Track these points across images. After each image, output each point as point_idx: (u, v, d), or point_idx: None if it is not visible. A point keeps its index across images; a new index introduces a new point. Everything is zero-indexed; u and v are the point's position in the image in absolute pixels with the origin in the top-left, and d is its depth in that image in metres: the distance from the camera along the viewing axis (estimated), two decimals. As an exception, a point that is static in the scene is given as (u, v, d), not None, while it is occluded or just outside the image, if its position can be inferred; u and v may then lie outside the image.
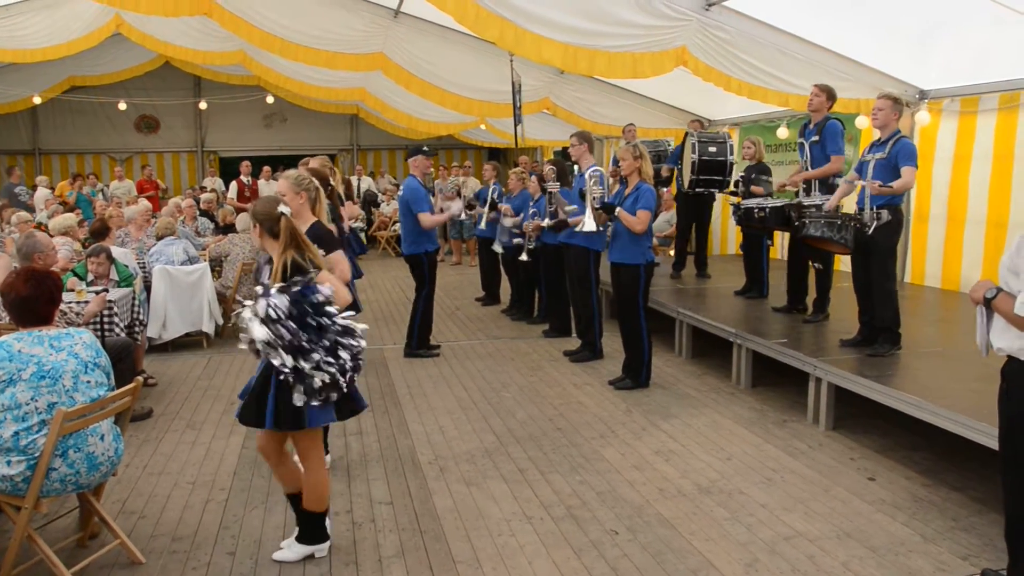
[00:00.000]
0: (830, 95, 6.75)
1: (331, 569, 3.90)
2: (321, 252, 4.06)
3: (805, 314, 7.20)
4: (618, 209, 6.67)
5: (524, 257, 8.20)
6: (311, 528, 4.02)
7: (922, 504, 4.52)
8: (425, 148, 8.00)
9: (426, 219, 7.70)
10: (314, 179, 4.83)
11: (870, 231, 5.64)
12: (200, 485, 4.95)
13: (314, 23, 10.56)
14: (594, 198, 6.82)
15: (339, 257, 4.46)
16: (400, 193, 8.07)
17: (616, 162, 6.96)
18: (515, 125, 11.23)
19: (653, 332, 6.97)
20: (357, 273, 6.93)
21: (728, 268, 10.32)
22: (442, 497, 4.70)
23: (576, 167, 7.94)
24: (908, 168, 5.52)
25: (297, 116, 20.94)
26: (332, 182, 6.07)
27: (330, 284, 3.77)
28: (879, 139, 5.80)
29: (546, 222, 7.78)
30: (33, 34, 12.03)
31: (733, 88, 8.16)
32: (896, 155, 5.58)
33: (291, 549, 4.02)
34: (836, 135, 6.65)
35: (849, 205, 6.25)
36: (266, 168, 16.74)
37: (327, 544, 4.06)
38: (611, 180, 7.41)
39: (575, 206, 7.29)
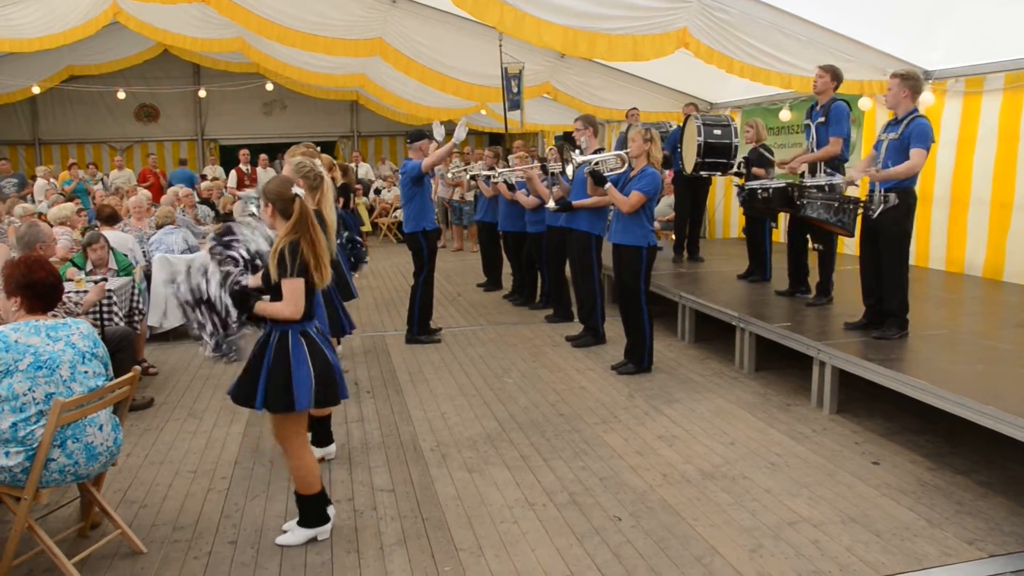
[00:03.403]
0: (835, 76, 6.66)
1: (333, 557, 3.89)
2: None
3: (808, 297, 7.16)
4: (608, 184, 6.64)
5: (552, 206, 7.88)
6: (309, 511, 4.02)
7: (927, 488, 4.49)
8: (426, 132, 7.90)
9: (428, 160, 7.58)
10: (317, 167, 4.78)
11: (875, 215, 5.56)
12: (201, 474, 4.93)
13: (312, 8, 10.50)
14: (593, 162, 6.79)
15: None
16: (400, 176, 8.01)
17: (623, 143, 6.92)
18: (505, 111, 11.19)
19: (655, 316, 6.93)
20: (347, 262, 6.90)
21: (731, 252, 10.27)
22: (444, 484, 4.68)
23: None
24: (916, 150, 5.38)
25: (297, 103, 20.89)
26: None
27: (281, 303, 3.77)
28: (895, 118, 5.65)
29: (550, 204, 7.73)
30: (30, 23, 11.98)
31: (735, 70, 8.08)
32: (908, 136, 5.43)
33: (294, 533, 4.03)
34: (841, 117, 6.55)
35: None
36: (262, 156, 16.68)
37: (329, 526, 4.07)
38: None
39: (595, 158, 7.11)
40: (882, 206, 5.51)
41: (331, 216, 4.82)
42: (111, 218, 7.63)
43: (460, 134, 7.59)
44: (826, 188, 6.31)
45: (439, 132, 7.76)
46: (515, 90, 11.10)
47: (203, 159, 21.15)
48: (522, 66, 11.34)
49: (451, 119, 16.93)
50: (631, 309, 6.74)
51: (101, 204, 9.08)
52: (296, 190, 3.83)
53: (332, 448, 5.14)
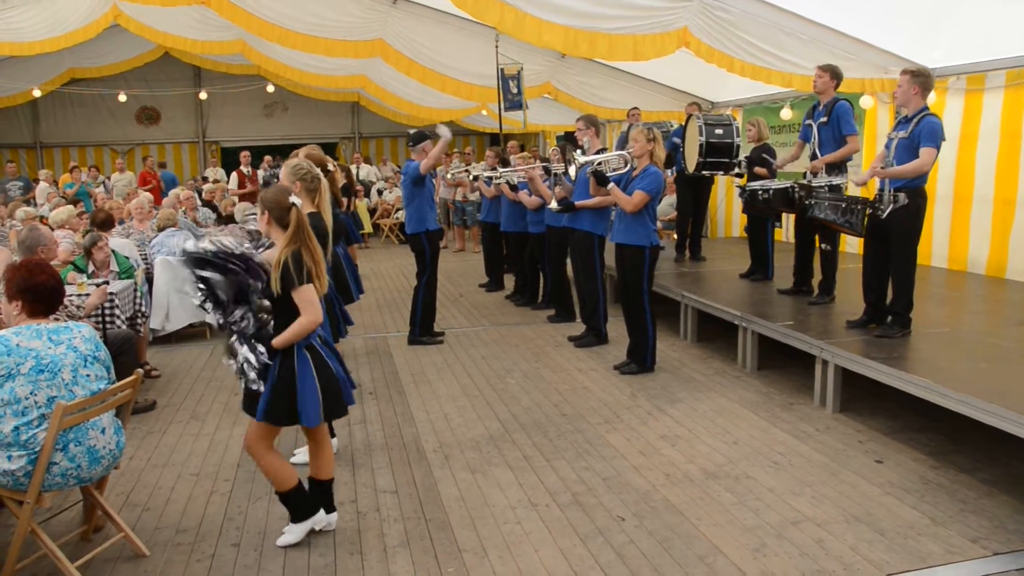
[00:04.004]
0: (834, 75, 6.66)
1: (336, 559, 3.88)
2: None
3: (811, 296, 7.14)
4: (611, 184, 6.63)
5: (554, 206, 7.90)
6: (294, 505, 4.03)
7: (931, 487, 4.48)
8: (427, 133, 7.89)
9: (426, 163, 7.53)
10: (314, 169, 4.77)
11: (884, 215, 5.53)
12: (204, 477, 4.93)
13: (312, 10, 10.52)
14: (596, 162, 6.78)
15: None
16: (402, 178, 8.02)
17: (624, 142, 6.91)
18: (501, 111, 11.22)
19: (658, 316, 6.92)
20: (351, 264, 6.91)
21: (733, 251, 10.26)
22: (447, 485, 4.68)
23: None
24: (926, 148, 5.32)
25: (298, 105, 20.90)
26: (330, 167, 6.02)
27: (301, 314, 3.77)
28: (904, 116, 5.59)
29: (552, 205, 7.74)
30: (31, 26, 12.01)
31: (736, 69, 8.08)
32: (918, 135, 5.37)
33: (291, 532, 4.05)
34: (847, 115, 6.54)
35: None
36: (267, 157, 16.70)
37: (321, 514, 4.08)
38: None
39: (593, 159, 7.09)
40: (892, 206, 5.47)
41: (329, 218, 4.82)
42: (105, 223, 7.63)
43: (444, 132, 7.58)
44: (826, 188, 6.30)
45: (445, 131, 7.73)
46: (515, 91, 11.13)
47: (204, 161, 21.15)
48: (520, 67, 11.36)
49: (452, 120, 17.03)
50: (634, 309, 6.73)
51: (96, 209, 9.09)
52: (293, 199, 3.82)
53: (334, 441, 5.15)
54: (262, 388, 3.74)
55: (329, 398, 3.85)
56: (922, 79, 5.49)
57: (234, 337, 3.79)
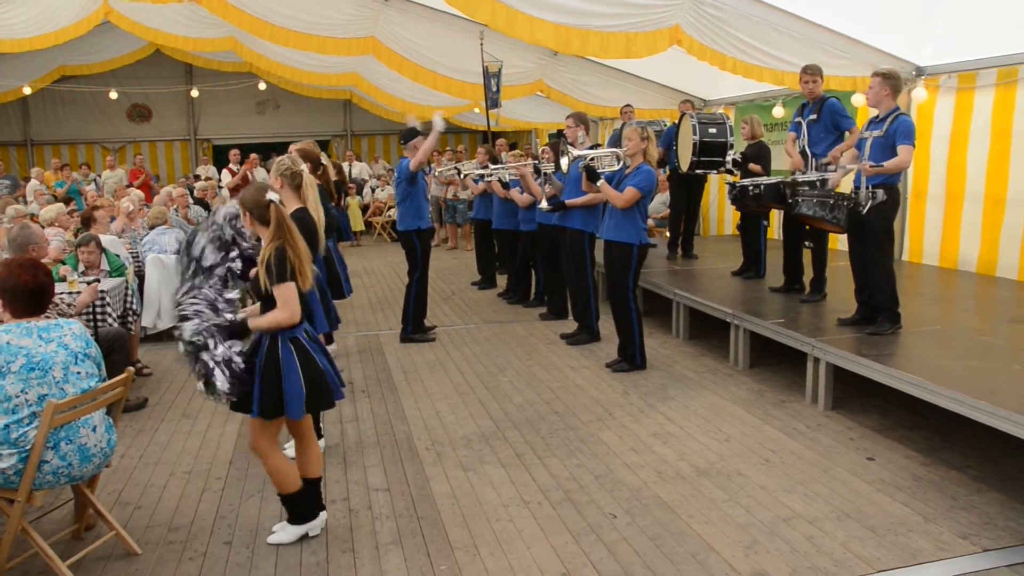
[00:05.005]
0: (822, 76, 6.77)
1: (328, 557, 3.88)
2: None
3: (802, 293, 7.17)
4: (601, 180, 6.63)
5: (545, 205, 7.90)
6: (295, 508, 4.03)
7: (921, 483, 4.50)
8: (419, 131, 7.89)
9: (416, 158, 7.52)
10: (296, 164, 4.79)
11: (864, 211, 5.61)
12: (196, 474, 4.92)
13: (304, 7, 10.49)
14: (588, 157, 6.78)
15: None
16: (395, 175, 8.01)
17: (616, 140, 6.91)
18: (488, 108, 11.24)
19: (650, 313, 6.93)
20: (342, 259, 6.92)
21: (725, 248, 10.28)
22: (439, 483, 4.68)
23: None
24: (904, 147, 5.45)
25: (290, 102, 20.85)
26: (323, 162, 6.02)
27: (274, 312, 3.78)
28: (877, 116, 5.72)
29: (543, 204, 7.75)
30: (21, 23, 11.95)
31: (728, 67, 8.09)
32: (893, 133, 5.50)
33: (285, 531, 4.04)
34: (842, 111, 6.65)
35: (846, 184, 6.20)
36: (253, 155, 16.62)
37: (318, 522, 4.07)
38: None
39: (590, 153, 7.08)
40: (870, 202, 5.57)
41: (319, 213, 4.82)
42: (88, 222, 7.60)
43: (438, 123, 7.60)
44: (818, 184, 6.33)
45: (440, 124, 7.75)
46: (494, 88, 11.15)
47: (196, 159, 21.07)
48: (500, 64, 11.38)
49: (445, 117, 16.94)
50: (619, 306, 6.74)
51: (85, 209, 9.06)
52: (270, 196, 3.83)
53: (321, 442, 5.14)
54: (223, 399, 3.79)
55: (314, 390, 3.85)
56: (892, 81, 5.67)
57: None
